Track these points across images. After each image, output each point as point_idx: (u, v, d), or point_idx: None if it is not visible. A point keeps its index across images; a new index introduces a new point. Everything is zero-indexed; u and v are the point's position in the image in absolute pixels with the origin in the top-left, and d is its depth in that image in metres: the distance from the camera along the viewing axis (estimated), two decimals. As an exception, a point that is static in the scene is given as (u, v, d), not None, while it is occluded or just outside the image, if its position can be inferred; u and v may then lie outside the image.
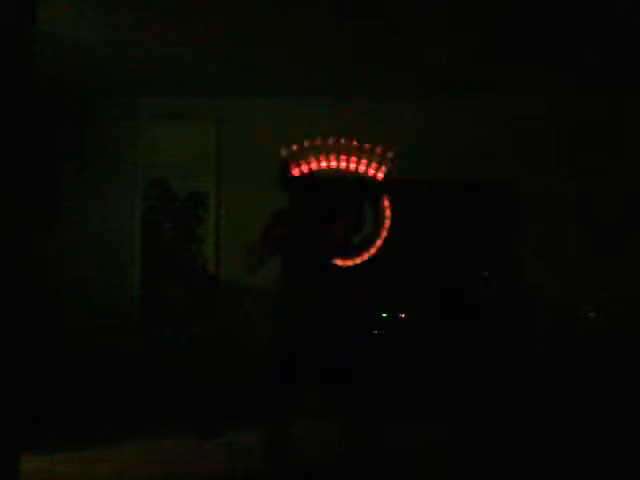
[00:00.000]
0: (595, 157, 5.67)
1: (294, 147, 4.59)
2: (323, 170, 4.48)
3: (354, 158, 4.68)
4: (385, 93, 5.61)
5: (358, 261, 4.66)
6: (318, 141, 4.60)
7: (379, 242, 4.76)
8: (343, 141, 4.64)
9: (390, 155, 4.66)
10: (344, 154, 4.69)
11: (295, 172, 4.08)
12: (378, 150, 4.65)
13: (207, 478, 3.79)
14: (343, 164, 4.68)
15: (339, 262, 4.00)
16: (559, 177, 5.66)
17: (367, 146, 4.70)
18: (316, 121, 5.71)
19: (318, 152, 4.63)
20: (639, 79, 5.21)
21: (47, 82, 5.16)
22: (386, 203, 4.67)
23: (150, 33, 4.52)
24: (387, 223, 4.71)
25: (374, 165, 4.69)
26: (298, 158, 4.49)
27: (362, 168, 4.59)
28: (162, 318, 5.57)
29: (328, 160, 4.60)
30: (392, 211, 4.91)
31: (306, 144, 4.63)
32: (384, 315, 5.71)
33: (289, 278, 3.44)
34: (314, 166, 4.56)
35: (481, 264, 5.87)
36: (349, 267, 4.45)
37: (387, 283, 5.72)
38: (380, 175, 4.55)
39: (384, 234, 4.69)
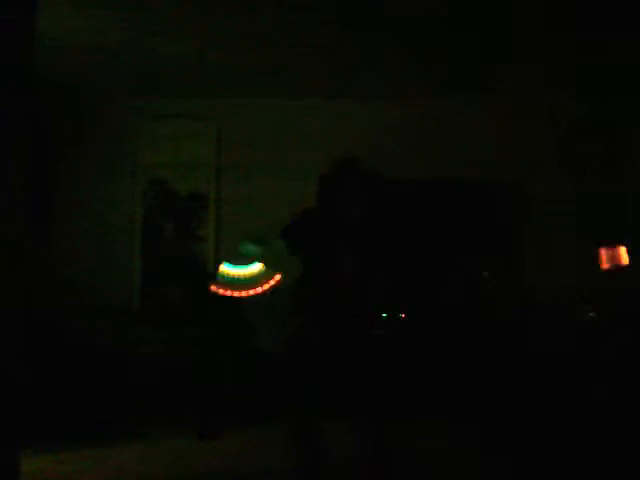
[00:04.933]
0: (595, 157, 5.68)
1: None
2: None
3: None
4: (385, 93, 5.61)
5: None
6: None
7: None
8: None
9: None
10: None
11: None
12: None
13: (207, 478, 3.79)
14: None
15: None
16: (559, 177, 5.67)
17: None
18: (316, 121, 5.73)
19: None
20: (639, 81, 5.21)
21: (47, 82, 5.17)
22: None
23: (150, 34, 4.51)
24: None
25: None
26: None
27: None
28: (162, 318, 5.57)
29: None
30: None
31: None
32: (384, 315, 5.70)
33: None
34: None
35: (481, 264, 5.87)
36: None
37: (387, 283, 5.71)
38: None
39: None
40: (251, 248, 4.46)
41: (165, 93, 5.72)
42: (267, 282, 4.47)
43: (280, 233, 3.35)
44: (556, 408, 4.90)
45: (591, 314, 5.32)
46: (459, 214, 5.80)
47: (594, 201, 5.62)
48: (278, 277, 4.52)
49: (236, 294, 4.52)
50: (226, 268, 4.57)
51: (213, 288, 4.59)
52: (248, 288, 4.50)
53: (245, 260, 4.52)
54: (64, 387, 4.89)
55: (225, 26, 4.40)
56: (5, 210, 2.76)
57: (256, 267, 4.53)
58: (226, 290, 4.53)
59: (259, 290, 4.50)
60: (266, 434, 4.52)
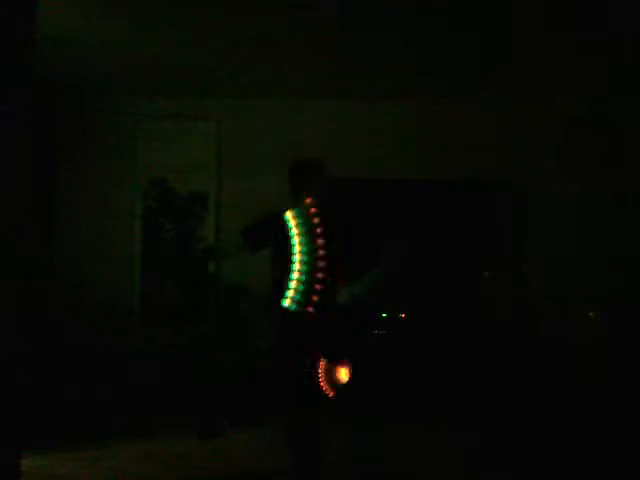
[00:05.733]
0: (595, 157, 5.68)
1: None
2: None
3: None
4: (385, 93, 5.61)
5: None
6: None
7: None
8: None
9: None
10: None
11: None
12: None
13: (207, 478, 3.79)
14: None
15: None
16: (559, 177, 5.67)
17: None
18: (316, 121, 5.73)
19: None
20: (638, 80, 5.21)
21: (46, 82, 5.16)
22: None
23: (150, 33, 4.51)
24: None
25: None
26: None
27: None
28: (162, 318, 5.57)
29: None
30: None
31: None
32: (384, 315, 5.71)
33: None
34: None
35: (481, 264, 5.87)
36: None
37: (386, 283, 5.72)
38: None
39: None
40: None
41: (165, 93, 5.72)
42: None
43: (246, 230, 3.40)
44: (556, 408, 4.90)
45: (591, 314, 5.32)
46: (459, 214, 5.81)
47: (594, 201, 5.62)
48: None
49: None
50: None
51: None
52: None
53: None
54: (64, 387, 4.90)
55: (225, 26, 4.40)
56: (5, 210, 2.76)
57: None
58: None
59: None
60: (266, 434, 4.53)
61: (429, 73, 5.19)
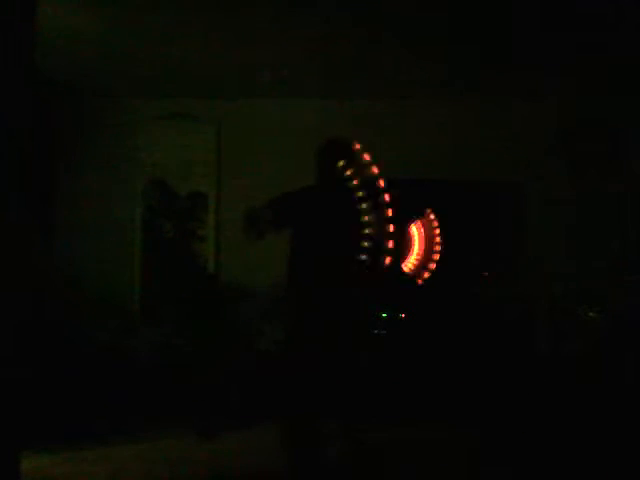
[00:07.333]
0: (595, 157, 5.68)
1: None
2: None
3: None
4: (386, 93, 5.61)
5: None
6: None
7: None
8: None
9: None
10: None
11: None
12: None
13: (207, 478, 3.79)
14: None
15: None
16: (559, 177, 5.67)
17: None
18: (316, 121, 5.72)
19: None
20: (638, 80, 5.21)
21: (46, 82, 5.17)
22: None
23: (150, 33, 4.52)
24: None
25: None
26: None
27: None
28: (162, 318, 5.57)
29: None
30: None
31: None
32: (384, 315, 5.71)
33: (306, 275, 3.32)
34: None
35: (481, 264, 5.87)
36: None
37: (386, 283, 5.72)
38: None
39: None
40: None
41: (165, 93, 5.72)
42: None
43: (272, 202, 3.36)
44: (556, 409, 4.90)
45: (591, 314, 5.32)
46: (459, 214, 5.80)
47: (594, 201, 5.62)
48: None
49: None
50: None
51: None
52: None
53: None
54: (64, 387, 4.89)
55: (225, 26, 4.40)
56: (5, 210, 2.76)
57: None
58: None
59: None
60: (265, 434, 4.52)
61: (428, 73, 5.19)
